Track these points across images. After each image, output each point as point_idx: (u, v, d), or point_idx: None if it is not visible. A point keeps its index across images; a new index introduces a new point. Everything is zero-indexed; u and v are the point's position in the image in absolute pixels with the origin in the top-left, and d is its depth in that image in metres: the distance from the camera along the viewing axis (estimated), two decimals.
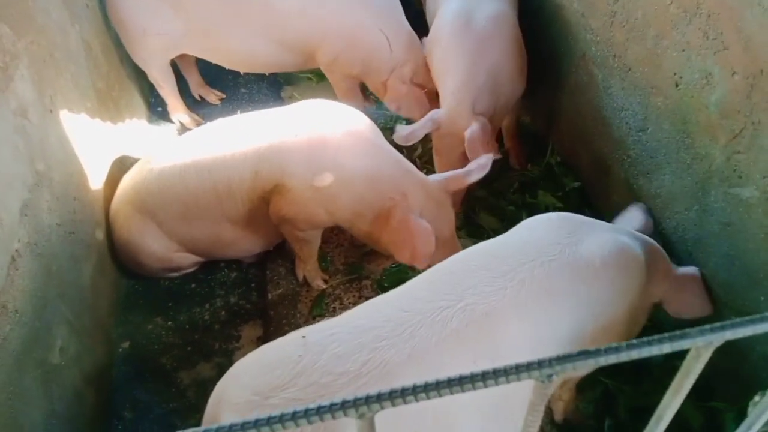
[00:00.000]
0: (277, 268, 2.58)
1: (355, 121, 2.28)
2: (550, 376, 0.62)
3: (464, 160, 2.44)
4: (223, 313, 2.47)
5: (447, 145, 2.59)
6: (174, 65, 3.24)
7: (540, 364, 0.61)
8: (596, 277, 1.56)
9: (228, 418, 1.29)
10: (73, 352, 2.04)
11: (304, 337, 1.42)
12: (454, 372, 1.36)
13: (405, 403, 0.58)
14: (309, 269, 2.50)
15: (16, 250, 1.80)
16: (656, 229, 2.17)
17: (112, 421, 2.18)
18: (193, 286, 2.57)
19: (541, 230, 1.68)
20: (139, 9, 2.82)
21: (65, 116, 2.28)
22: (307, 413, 0.55)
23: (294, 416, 0.55)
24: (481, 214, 2.72)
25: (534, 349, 1.45)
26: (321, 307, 2.42)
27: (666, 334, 0.61)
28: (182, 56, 3.19)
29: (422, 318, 1.41)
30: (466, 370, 1.39)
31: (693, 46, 1.87)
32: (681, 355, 0.63)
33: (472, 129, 2.44)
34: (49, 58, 2.25)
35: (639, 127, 2.24)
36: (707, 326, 0.61)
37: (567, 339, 1.52)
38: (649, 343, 0.60)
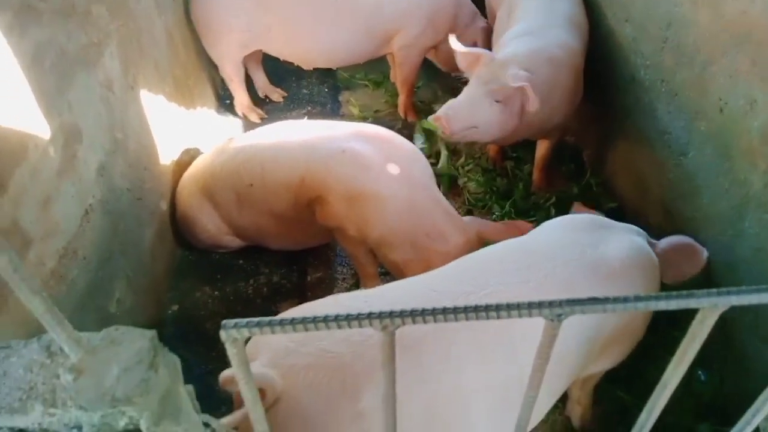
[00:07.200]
0: (319, 254, 2.73)
1: (405, 154, 2.31)
2: (559, 315, 0.68)
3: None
4: (265, 289, 2.62)
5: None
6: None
7: (551, 303, 0.66)
8: (616, 278, 1.62)
9: (263, 359, 1.42)
10: (128, 306, 2.22)
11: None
12: (468, 352, 1.45)
13: (424, 322, 0.64)
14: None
15: (90, 205, 2.00)
16: None
17: None
18: (240, 261, 2.74)
19: (563, 230, 1.76)
20: (224, 7, 3.04)
21: (144, 95, 2.50)
22: (337, 319, 0.62)
23: (326, 320, 0.62)
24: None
25: None
26: None
27: (674, 293, 0.64)
28: (250, 57, 3.39)
29: (447, 298, 1.52)
30: (481, 354, 1.48)
31: (740, 73, 1.93)
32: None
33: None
34: (136, 41, 2.48)
35: (681, 151, 2.30)
36: (714, 289, 0.63)
37: (585, 337, 1.59)
38: (656, 298, 0.64)
